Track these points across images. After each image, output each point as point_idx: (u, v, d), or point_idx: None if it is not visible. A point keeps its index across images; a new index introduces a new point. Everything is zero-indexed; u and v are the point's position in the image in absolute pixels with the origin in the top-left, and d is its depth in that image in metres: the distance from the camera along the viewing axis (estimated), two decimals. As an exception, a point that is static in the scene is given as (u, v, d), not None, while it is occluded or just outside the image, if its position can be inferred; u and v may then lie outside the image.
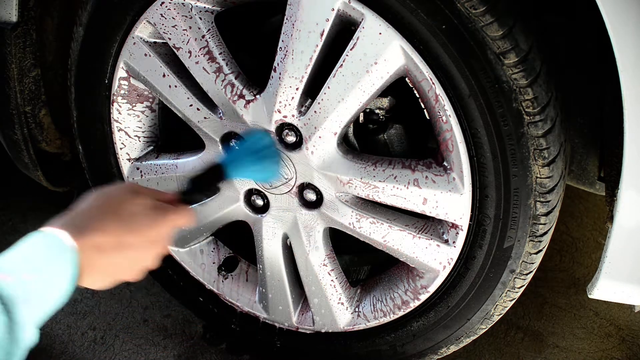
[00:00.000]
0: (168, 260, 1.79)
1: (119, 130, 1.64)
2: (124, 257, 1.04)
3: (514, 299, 1.50)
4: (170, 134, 1.70)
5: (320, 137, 1.42)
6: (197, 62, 1.45)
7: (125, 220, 1.05)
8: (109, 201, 1.07)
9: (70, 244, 0.97)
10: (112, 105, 1.61)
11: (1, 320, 0.87)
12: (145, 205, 1.08)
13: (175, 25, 1.43)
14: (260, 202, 1.58)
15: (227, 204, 1.60)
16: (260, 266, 1.67)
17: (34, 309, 0.92)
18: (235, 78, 1.44)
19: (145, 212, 1.08)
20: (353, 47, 1.31)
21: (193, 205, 1.17)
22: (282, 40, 1.36)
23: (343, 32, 1.34)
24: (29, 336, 0.91)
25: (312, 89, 1.39)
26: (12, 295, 0.90)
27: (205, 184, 1.25)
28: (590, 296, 1.36)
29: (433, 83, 1.29)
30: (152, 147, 1.68)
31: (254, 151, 1.38)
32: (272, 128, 1.45)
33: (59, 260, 0.96)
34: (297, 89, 1.38)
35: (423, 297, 1.55)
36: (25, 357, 0.91)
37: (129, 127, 1.63)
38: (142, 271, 1.09)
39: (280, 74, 1.38)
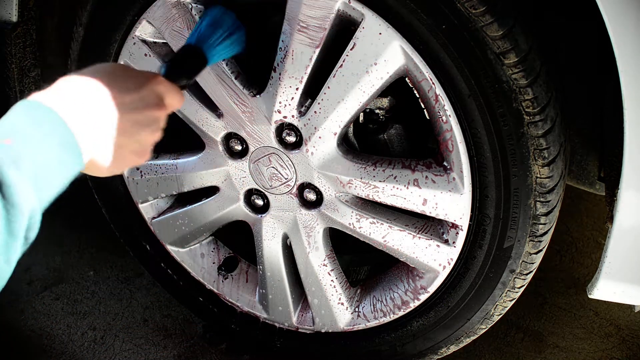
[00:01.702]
0: (168, 261, 1.79)
1: (119, 130, 1.63)
2: (124, 120, 0.99)
3: (514, 299, 1.50)
4: (170, 134, 1.70)
5: (320, 137, 1.42)
6: (197, 62, 1.45)
7: (121, 86, 1.00)
8: (102, 72, 1.01)
9: (55, 106, 0.91)
10: (112, 105, 1.61)
11: None
12: (139, 78, 1.04)
13: (176, 25, 1.43)
14: (260, 202, 1.58)
15: (227, 204, 1.61)
16: (260, 266, 1.67)
17: (26, 172, 0.84)
18: (235, 78, 1.44)
19: (140, 82, 1.04)
20: (353, 47, 1.31)
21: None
22: (282, 40, 1.36)
23: (343, 32, 1.34)
24: (28, 200, 0.83)
25: (312, 89, 1.39)
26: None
27: (183, 66, 1.22)
28: (590, 296, 1.36)
29: (433, 83, 1.29)
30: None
31: (219, 27, 1.33)
32: (272, 128, 1.45)
33: (44, 123, 0.89)
34: (297, 89, 1.38)
35: (423, 297, 1.55)
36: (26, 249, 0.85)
37: (129, 127, 1.63)
38: (145, 146, 1.06)
39: (280, 74, 1.38)
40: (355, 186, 1.44)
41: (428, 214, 1.42)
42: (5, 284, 0.82)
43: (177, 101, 1.12)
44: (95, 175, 1.02)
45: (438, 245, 1.46)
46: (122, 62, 1.54)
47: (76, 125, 0.91)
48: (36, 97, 0.92)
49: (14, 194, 0.81)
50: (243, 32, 1.37)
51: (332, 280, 1.60)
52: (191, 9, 1.41)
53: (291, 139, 1.45)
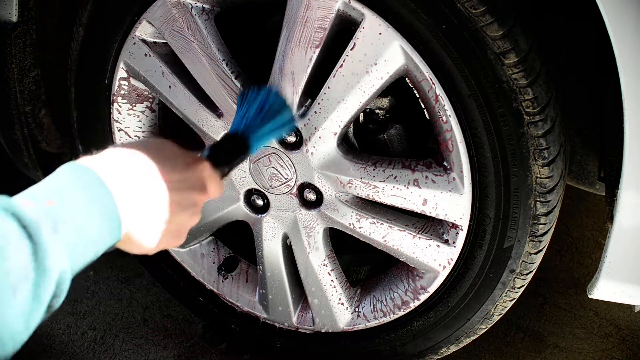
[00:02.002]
0: (168, 261, 1.79)
1: (119, 130, 1.64)
2: (167, 199, 0.98)
3: (514, 299, 1.50)
4: (170, 134, 1.70)
5: (320, 137, 1.42)
6: (197, 62, 1.45)
7: (168, 164, 0.99)
8: (151, 147, 1.00)
9: (102, 174, 0.89)
10: (112, 106, 1.61)
11: (23, 245, 0.77)
12: (186, 159, 1.04)
13: (176, 25, 1.43)
14: (260, 202, 1.58)
15: (227, 203, 1.60)
16: (260, 266, 1.67)
17: (63, 237, 0.82)
18: (236, 78, 1.44)
19: (187, 164, 1.03)
20: (353, 47, 1.31)
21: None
22: (282, 41, 1.36)
23: (343, 32, 1.34)
24: (59, 266, 0.81)
25: (312, 89, 1.39)
26: (33, 219, 0.80)
27: (227, 155, 1.19)
28: (590, 296, 1.36)
29: (433, 83, 1.29)
30: (152, 147, 1.68)
31: (267, 114, 1.31)
32: (272, 128, 1.45)
33: (89, 188, 0.88)
34: (297, 89, 1.38)
35: (423, 297, 1.55)
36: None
37: (129, 127, 1.63)
38: (183, 228, 1.04)
39: (280, 74, 1.38)
40: (355, 186, 1.44)
41: (428, 214, 1.42)
42: (18, 349, 0.80)
43: (218, 190, 1.11)
44: (126, 250, 1.00)
45: (438, 245, 1.46)
46: (121, 62, 1.54)
47: (120, 196, 0.91)
48: (84, 161, 0.92)
49: (46, 258, 0.79)
50: (291, 115, 1.37)
51: (332, 280, 1.60)
52: (191, 8, 1.41)
53: (291, 139, 1.45)
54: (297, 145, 1.45)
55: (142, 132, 1.65)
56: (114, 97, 1.60)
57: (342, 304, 1.63)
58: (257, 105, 1.29)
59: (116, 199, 0.90)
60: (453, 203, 1.39)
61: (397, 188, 1.41)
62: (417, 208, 1.42)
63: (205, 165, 1.08)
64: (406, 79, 1.34)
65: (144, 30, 1.49)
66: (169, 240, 1.02)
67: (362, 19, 1.28)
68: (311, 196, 1.51)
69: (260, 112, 1.29)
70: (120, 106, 1.61)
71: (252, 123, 1.26)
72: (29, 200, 0.83)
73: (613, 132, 1.33)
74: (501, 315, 1.54)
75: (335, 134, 1.41)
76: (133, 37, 1.50)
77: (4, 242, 0.76)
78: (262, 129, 1.27)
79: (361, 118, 1.50)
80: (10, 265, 0.75)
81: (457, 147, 1.33)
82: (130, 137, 1.64)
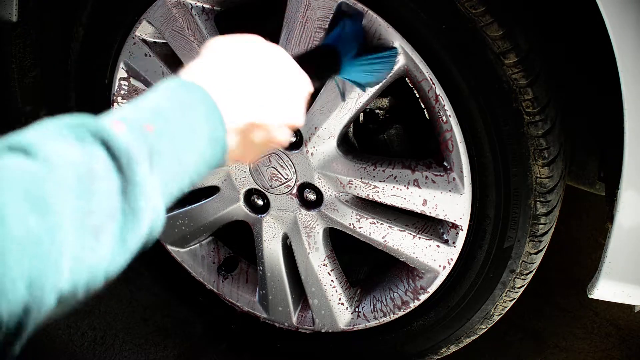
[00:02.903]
0: (168, 260, 1.79)
1: (119, 130, 1.63)
2: (265, 112, 0.85)
3: (514, 299, 1.50)
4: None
5: (320, 137, 1.42)
6: (197, 62, 1.45)
7: (265, 80, 0.87)
8: (251, 48, 0.88)
9: (209, 89, 0.77)
10: (112, 106, 1.61)
11: (112, 181, 0.64)
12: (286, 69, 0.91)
13: (176, 25, 1.43)
14: (260, 202, 1.58)
15: (227, 204, 1.60)
16: (260, 266, 1.67)
17: (160, 172, 0.69)
18: (235, 78, 1.44)
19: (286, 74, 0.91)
20: (353, 47, 1.31)
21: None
22: (282, 41, 1.36)
23: (343, 32, 1.34)
24: (152, 206, 0.68)
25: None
26: (127, 149, 0.66)
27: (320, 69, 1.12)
28: (590, 296, 1.36)
29: (433, 83, 1.29)
30: (152, 147, 1.68)
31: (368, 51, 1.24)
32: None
33: (195, 110, 0.75)
34: (297, 89, 1.38)
35: (423, 297, 1.55)
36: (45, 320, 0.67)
37: (129, 127, 1.63)
38: (280, 138, 0.90)
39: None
40: (355, 186, 1.44)
41: (428, 214, 1.42)
42: (88, 295, 0.69)
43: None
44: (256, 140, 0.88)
45: (438, 246, 1.46)
46: (122, 62, 1.54)
47: (228, 115, 0.79)
48: (189, 74, 0.80)
49: (138, 198, 0.66)
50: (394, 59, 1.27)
51: (332, 281, 1.60)
52: (191, 8, 1.41)
53: (291, 139, 1.45)
54: (297, 145, 1.45)
55: (142, 132, 1.65)
56: (114, 97, 1.60)
57: (342, 304, 1.63)
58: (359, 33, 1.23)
59: (225, 120, 0.78)
60: (453, 203, 1.39)
61: (397, 188, 1.41)
62: (417, 208, 1.42)
63: (302, 76, 0.96)
64: (406, 79, 1.34)
65: (144, 30, 1.49)
66: (260, 147, 0.89)
67: (362, 19, 1.28)
68: (311, 196, 1.51)
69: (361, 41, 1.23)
70: (120, 106, 1.61)
71: (349, 45, 1.20)
72: (122, 122, 0.69)
73: (613, 132, 1.33)
74: (501, 315, 1.54)
75: (335, 134, 1.41)
76: (133, 37, 1.50)
77: (88, 176, 0.62)
78: (358, 56, 1.21)
79: (361, 118, 1.50)
80: (93, 204, 0.62)
81: (457, 147, 1.33)
82: (130, 137, 1.64)
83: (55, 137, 0.64)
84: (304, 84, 0.96)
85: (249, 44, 0.90)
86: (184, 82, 0.78)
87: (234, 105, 0.81)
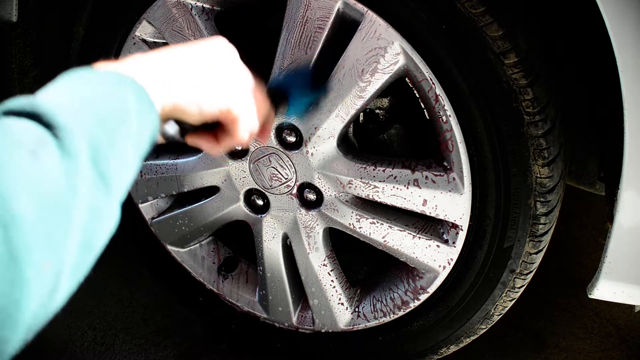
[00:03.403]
0: (168, 260, 1.79)
1: (119, 130, 1.63)
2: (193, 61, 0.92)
3: (514, 299, 1.50)
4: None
5: (320, 137, 1.42)
6: (197, 62, 1.45)
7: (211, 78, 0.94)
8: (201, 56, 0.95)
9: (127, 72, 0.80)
10: (112, 105, 1.61)
11: (31, 123, 0.66)
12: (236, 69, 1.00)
13: (176, 25, 1.43)
14: (260, 202, 1.58)
15: (227, 204, 1.60)
16: (260, 267, 1.67)
17: (77, 109, 0.70)
18: (235, 78, 1.44)
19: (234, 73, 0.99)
20: (353, 47, 1.31)
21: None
22: (282, 41, 1.36)
23: (343, 32, 1.34)
24: (80, 126, 0.69)
25: (312, 89, 1.39)
26: (50, 111, 0.67)
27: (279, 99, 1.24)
28: (590, 296, 1.36)
29: (433, 83, 1.29)
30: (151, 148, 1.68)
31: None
32: (272, 128, 1.45)
33: (96, 78, 0.77)
34: (297, 89, 1.38)
35: (423, 297, 1.55)
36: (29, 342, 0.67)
37: (129, 127, 1.63)
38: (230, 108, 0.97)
39: (280, 74, 1.38)
40: (355, 186, 1.44)
41: (428, 214, 1.42)
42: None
43: (262, 116, 1.10)
44: (186, 119, 0.92)
45: (438, 246, 1.46)
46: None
47: (131, 67, 0.83)
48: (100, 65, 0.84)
49: (60, 120, 0.67)
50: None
51: (332, 281, 1.60)
52: (191, 8, 1.41)
53: (291, 139, 1.45)
54: (297, 145, 1.45)
55: (142, 132, 1.65)
56: (114, 97, 1.59)
57: (342, 304, 1.63)
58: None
59: (126, 70, 0.81)
60: (453, 203, 1.39)
61: (397, 188, 1.41)
62: (417, 208, 1.42)
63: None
64: (406, 79, 1.34)
65: (144, 30, 1.49)
66: (224, 92, 0.96)
67: (362, 19, 1.28)
68: (311, 196, 1.51)
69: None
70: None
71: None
72: (45, 94, 0.72)
73: (613, 132, 1.33)
74: (501, 315, 1.54)
75: (335, 134, 1.41)
76: (133, 37, 1.50)
77: (3, 124, 0.65)
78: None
79: (361, 118, 1.50)
80: (19, 136, 0.64)
81: (457, 147, 1.33)
82: (130, 137, 1.64)
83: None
84: (246, 77, 1.02)
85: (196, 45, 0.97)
86: (81, 69, 0.80)
87: (159, 79, 0.85)
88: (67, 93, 0.73)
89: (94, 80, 0.77)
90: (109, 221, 0.71)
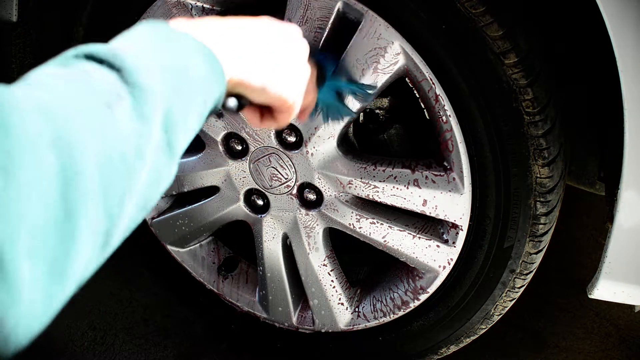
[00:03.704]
0: (168, 261, 1.79)
1: (119, 130, 1.63)
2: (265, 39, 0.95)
3: (514, 299, 1.50)
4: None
5: (320, 137, 1.42)
6: (197, 62, 1.45)
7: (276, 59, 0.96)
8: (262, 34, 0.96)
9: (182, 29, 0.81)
10: (112, 105, 1.61)
11: (105, 70, 0.67)
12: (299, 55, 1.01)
13: (175, 25, 1.43)
14: (260, 202, 1.58)
15: (227, 204, 1.60)
16: (260, 267, 1.67)
17: (152, 61, 0.71)
18: (235, 78, 1.44)
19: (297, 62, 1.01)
20: (353, 48, 1.31)
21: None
22: (282, 40, 1.36)
23: (343, 32, 1.34)
24: (159, 89, 0.70)
25: (312, 89, 1.39)
26: (110, 52, 0.69)
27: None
28: (590, 296, 1.36)
29: (433, 83, 1.29)
30: (152, 147, 1.68)
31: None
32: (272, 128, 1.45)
33: (169, 38, 0.77)
34: (297, 89, 1.38)
35: (423, 298, 1.55)
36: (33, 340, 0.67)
37: (129, 127, 1.63)
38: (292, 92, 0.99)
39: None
40: (355, 186, 1.44)
41: (428, 214, 1.42)
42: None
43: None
44: (250, 97, 0.95)
45: (438, 246, 1.46)
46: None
47: (208, 34, 0.83)
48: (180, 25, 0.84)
49: (139, 79, 0.67)
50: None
51: (332, 281, 1.60)
52: (191, 8, 1.41)
53: (291, 139, 1.45)
54: (297, 145, 1.45)
55: (142, 132, 1.65)
56: (114, 97, 1.59)
57: (342, 304, 1.63)
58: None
59: (204, 36, 0.82)
60: (453, 203, 1.39)
61: (397, 188, 1.41)
62: (417, 208, 1.42)
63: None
64: (406, 79, 1.34)
65: (144, 30, 1.49)
66: (292, 77, 0.99)
67: (362, 19, 1.28)
68: (311, 196, 1.51)
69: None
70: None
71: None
72: (100, 47, 0.71)
73: (613, 132, 1.33)
74: (501, 315, 1.54)
75: (335, 134, 1.41)
76: (133, 37, 1.50)
77: (82, 73, 0.65)
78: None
79: (361, 118, 1.50)
80: (96, 85, 0.64)
81: (457, 147, 1.33)
82: (130, 137, 1.64)
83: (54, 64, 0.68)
84: (308, 73, 1.04)
85: (268, 22, 1.00)
86: (158, 22, 0.80)
87: (231, 52, 0.85)
88: (148, 51, 0.73)
89: (175, 43, 0.77)
90: (166, 183, 0.72)
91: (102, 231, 0.62)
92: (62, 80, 0.63)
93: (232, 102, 0.94)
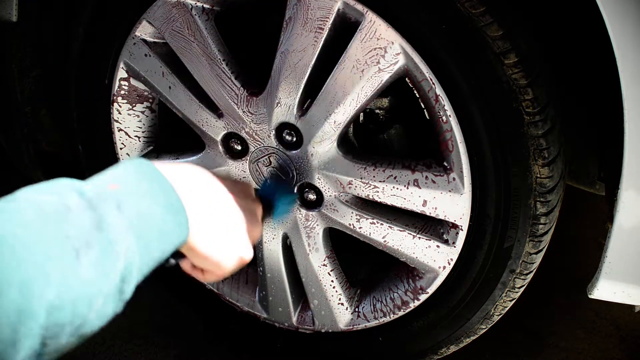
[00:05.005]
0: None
1: (119, 131, 1.64)
2: (227, 203, 1.01)
3: (514, 299, 1.50)
4: (170, 134, 1.70)
5: (320, 137, 1.42)
6: (197, 62, 1.45)
7: (233, 208, 1.03)
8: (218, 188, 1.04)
9: (163, 171, 0.89)
10: (112, 106, 1.61)
11: (85, 214, 0.74)
12: (249, 206, 1.09)
13: (176, 25, 1.43)
14: (260, 202, 1.58)
15: (227, 204, 1.60)
16: (260, 267, 1.67)
17: (127, 218, 0.78)
18: (236, 78, 1.44)
19: (248, 213, 1.08)
20: (353, 48, 1.31)
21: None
22: (282, 41, 1.36)
23: (343, 32, 1.34)
24: (126, 243, 0.77)
25: (312, 89, 1.39)
26: (96, 195, 0.77)
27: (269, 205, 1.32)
28: (590, 296, 1.36)
29: (433, 83, 1.29)
30: (152, 148, 1.68)
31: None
32: (272, 128, 1.45)
33: (152, 180, 0.86)
34: (297, 89, 1.38)
35: (423, 298, 1.55)
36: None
37: (129, 127, 1.64)
38: (246, 238, 1.06)
39: (280, 74, 1.38)
40: (355, 186, 1.44)
41: (428, 214, 1.42)
42: (85, 338, 0.77)
43: (258, 227, 1.15)
44: (191, 270, 1.03)
45: (438, 246, 1.46)
46: (122, 62, 1.54)
47: (183, 193, 0.90)
48: (146, 161, 0.92)
49: (110, 230, 0.75)
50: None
51: (332, 281, 1.60)
52: (191, 8, 1.41)
53: (291, 139, 1.45)
54: (297, 145, 1.45)
55: (142, 132, 1.65)
56: (114, 97, 1.60)
57: (342, 304, 1.63)
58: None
59: (179, 193, 0.89)
60: (453, 203, 1.39)
61: (397, 188, 1.41)
62: (417, 208, 1.42)
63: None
64: (406, 79, 1.34)
65: (144, 30, 1.49)
66: (233, 249, 1.03)
67: (362, 19, 1.28)
68: (311, 196, 1.51)
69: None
70: (120, 106, 1.61)
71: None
72: (89, 184, 0.80)
73: (613, 132, 1.33)
74: (501, 315, 1.54)
75: (335, 134, 1.41)
76: (133, 37, 1.50)
77: (63, 209, 0.72)
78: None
79: (361, 118, 1.50)
80: (70, 229, 0.71)
81: (457, 147, 1.33)
82: (130, 137, 1.64)
83: (34, 191, 0.75)
84: (258, 228, 1.11)
85: (224, 180, 1.06)
86: (144, 162, 0.89)
87: (192, 190, 0.94)
88: (133, 196, 0.82)
89: (157, 190, 0.86)
90: (104, 321, 0.78)
91: (35, 355, 0.69)
92: (41, 214, 0.71)
93: (172, 262, 1.00)
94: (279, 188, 1.44)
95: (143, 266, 0.81)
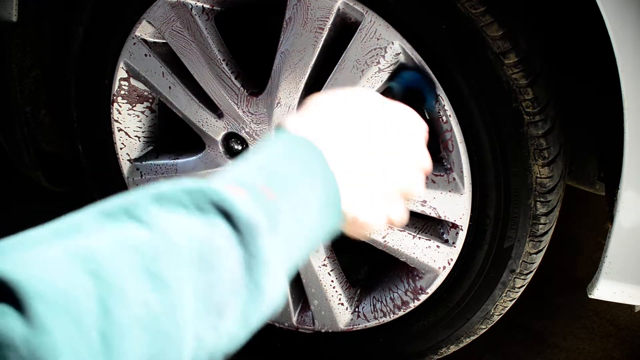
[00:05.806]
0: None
1: (119, 131, 1.64)
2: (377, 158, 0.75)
3: (514, 299, 1.50)
4: (170, 134, 1.70)
5: (320, 137, 1.41)
6: (197, 62, 1.45)
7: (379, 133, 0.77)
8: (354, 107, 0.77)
9: (324, 150, 0.70)
10: (112, 106, 1.61)
11: (235, 254, 0.59)
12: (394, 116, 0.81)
13: (176, 25, 1.43)
14: (260, 202, 1.57)
15: (227, 204, 1.60)
16: (260, 266, 1.66)
17: (283, 238, 0.64)
18: (236, 78, 1.44)
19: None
20: (353, 47, 1.31)
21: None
22: (282, 41, 1.36)
23: (343, 32, 1.34)
24: (275, 281, 0.62)
25: (312, 89, 1.39)
26: (250, 220, 0.60)
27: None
28: (590, 296, 1.36)
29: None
30: (152, 147, 1.68)
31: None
32: (273, 128, 1.45)
33: (313, 174, 0.68)
34: (297, 89, 1.38)
35: (423, 298, 1.55)
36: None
37: (129, 127, 1.64)
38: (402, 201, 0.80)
39: (280, 74, 1.38)
40: (355, 186, 1.44)
41: (428, 214, 1.42)
42: None
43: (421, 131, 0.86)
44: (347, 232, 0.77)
45: (438, 246, 1.46)
46: (121, 62, 1.54)
47: (341, 180, 0.71)
48: (300, 128, 0.72)
49: (262, 274, 0.61)
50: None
51: (332, 281, 1.60)
52: (191, 8, 1.41)
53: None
54: (297, 145, 1.45)
55: (142, 132, 1.65)
56: (114, 97, 1.60)
57: (342, 304, 1.63)
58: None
59: (339, 185, 0.71)
60: (453, 203, 1.39)
61: (397, 188, 1.41)
62: (417, 208, 1.42)
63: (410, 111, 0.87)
64: (406, 79, 1.34)
65: (144, 30, 1.49)
66: (386, 212, 0.78)
67: (362, 19, 1.28)
68: (311, 196, 1.50)
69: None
70: (120, 106, 1.61)
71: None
72: (242, 188, 0.63)
73: (613, 132, 1.33)
74: (501, 315, 1.54)
75: (335, 134, 1.40)
76: (133, 37, 1.50)
77: (210, 251, 0.58)
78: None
79: (361, 118, 1.50)
80: (216, 281, 0.58)
81: (457, 147, 1.33)
82: (130, 137, 1.64)
83: (174, 205, 0.59)
84: (417, 121, 0.85)
85: (350, 94, 0.80)
86: (296, 138, 0.71)
87: (344, 160, 0.73)
88: (289, 219, 0.65)
89: (318, 199, 0.68)
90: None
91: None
92: (188, 243, 0.57)
93: None
94: (412, 76, 1.30)
95: (288, 274, 0.68)
